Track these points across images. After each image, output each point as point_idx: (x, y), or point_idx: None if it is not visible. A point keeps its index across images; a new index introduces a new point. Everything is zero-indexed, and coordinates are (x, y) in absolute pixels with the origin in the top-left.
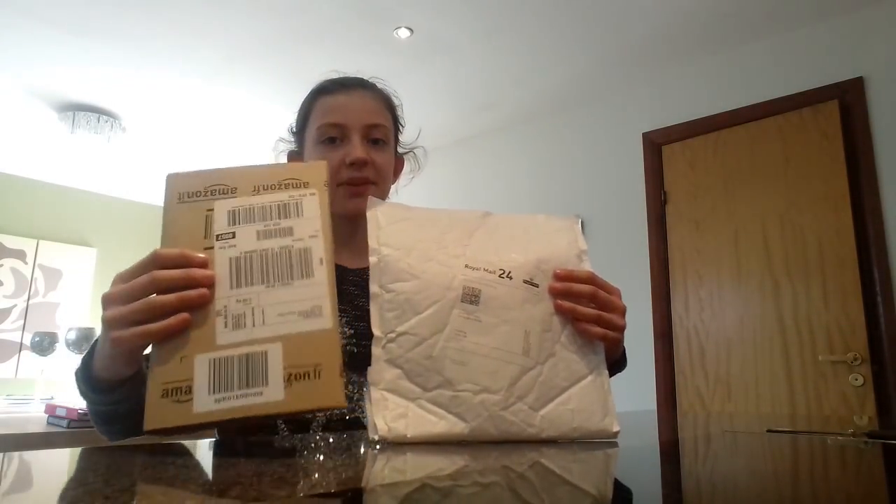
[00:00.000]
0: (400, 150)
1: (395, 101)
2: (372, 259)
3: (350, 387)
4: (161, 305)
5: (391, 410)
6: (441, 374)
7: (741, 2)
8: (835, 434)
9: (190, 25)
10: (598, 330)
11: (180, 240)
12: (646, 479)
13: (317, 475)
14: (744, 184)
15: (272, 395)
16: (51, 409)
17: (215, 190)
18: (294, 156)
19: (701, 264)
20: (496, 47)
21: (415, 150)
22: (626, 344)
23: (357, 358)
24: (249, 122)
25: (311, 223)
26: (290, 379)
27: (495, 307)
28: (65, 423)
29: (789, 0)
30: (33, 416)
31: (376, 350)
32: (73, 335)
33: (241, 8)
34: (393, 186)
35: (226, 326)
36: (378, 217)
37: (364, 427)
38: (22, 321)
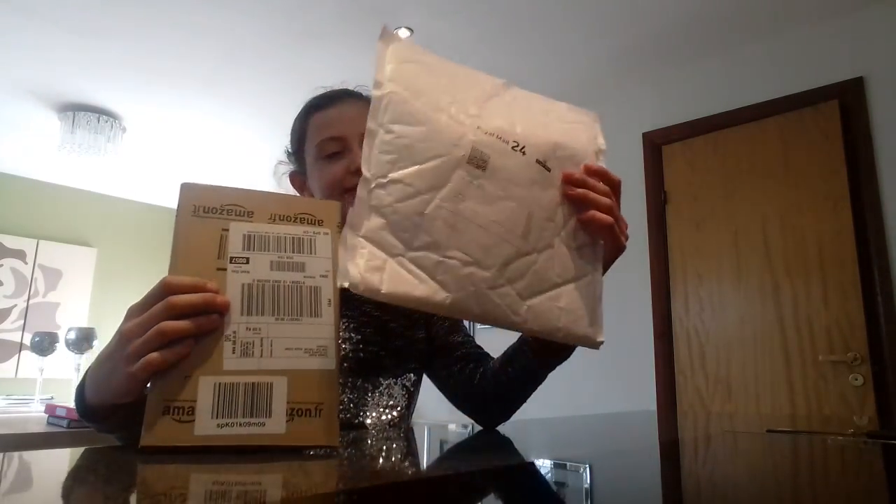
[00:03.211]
0: None
1: None
2: (375, 93)
3: (354, 392)
4: (173, 331)
5: (367, 260)
6: (430, 235)
7: (741, 2)
8: (835, 434)
9: (190, 25)
10: (607, 218)
11: (193, 255)
12: (646, 479)
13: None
14: (744, 184)
15: (274, 427)
16: (51, 409)
17: (231, 210)
18: (297, 176)
19: (701, 264)
20: (496, 48)
21: None
22: (626, 344)
23: (363, 362)
24: (250, 123)
25: (322, 263)
26: (292, 414)
27: (502, 179)
28: (65, 423)
29: (789, 0)
30: (33, 416)
31: (361, 192)
32: (73, 335)
33: (241, 8)
34: None
35: (234, 352)
36: (389, 51)
37: (366, 427)
38: (22, 321)
